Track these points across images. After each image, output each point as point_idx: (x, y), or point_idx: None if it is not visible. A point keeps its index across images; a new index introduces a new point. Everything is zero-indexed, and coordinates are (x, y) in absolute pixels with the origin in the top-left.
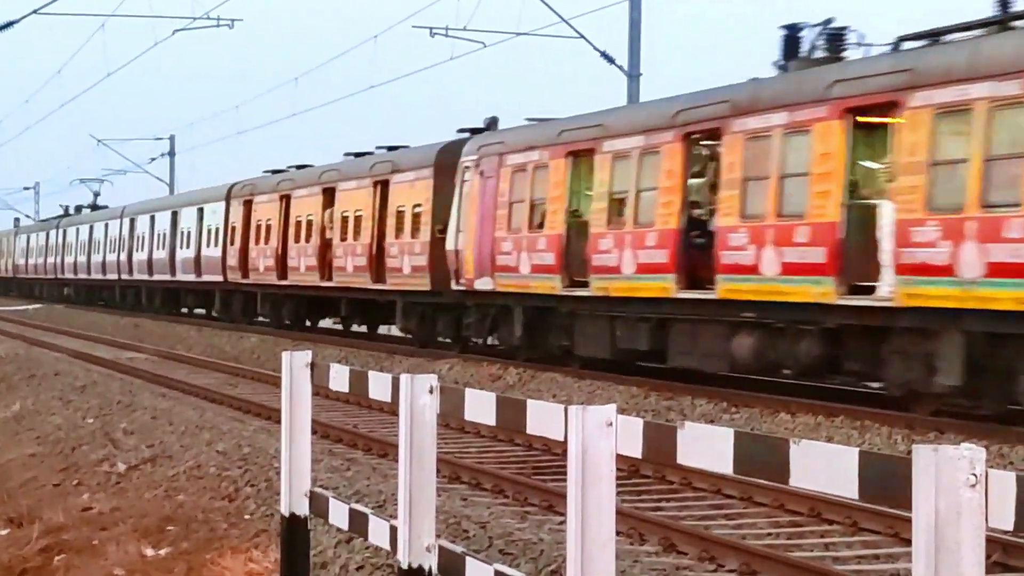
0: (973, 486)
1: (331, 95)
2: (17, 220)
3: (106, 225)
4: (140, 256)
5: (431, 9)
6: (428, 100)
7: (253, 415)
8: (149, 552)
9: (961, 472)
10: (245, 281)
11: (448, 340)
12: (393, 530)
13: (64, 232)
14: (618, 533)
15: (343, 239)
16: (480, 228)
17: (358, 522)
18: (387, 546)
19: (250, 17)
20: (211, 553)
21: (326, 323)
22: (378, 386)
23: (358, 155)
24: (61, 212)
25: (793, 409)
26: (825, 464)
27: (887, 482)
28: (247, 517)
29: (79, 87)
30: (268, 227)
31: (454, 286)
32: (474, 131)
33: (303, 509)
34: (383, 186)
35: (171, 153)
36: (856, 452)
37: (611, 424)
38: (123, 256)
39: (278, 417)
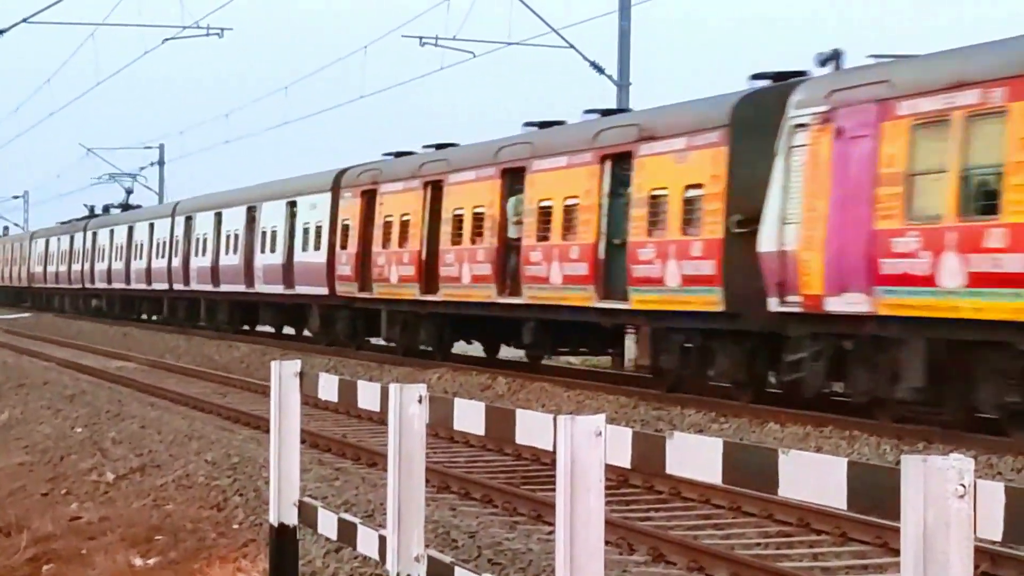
0: (962, 496)
1: (321, 104)
2: (6, 228)
3: (151, 225)
4: (201, 262)
5: (421, 19)
6: (418, 110)
7: (242, 424)
8: (137, 562)
9: (950, 482)
10: (364, 295)
11: (726, 384)
12: (382, 540)
13: (94, 235)
14: (607, 543)
15: (542, 239)
16: (839, 216)
17: (347, 532)
18: (376, 556)
19: (240, 26)
20: (199, 563)
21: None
22: (367, 396)
23: (544, 125)
24: (86, 213)
25: (782, 419)
26: (814, 474)
27: (876, 492)
28: (235, 527)
29: (69, 96)
30: (404, 224)
31: (775, 306)
32: (780, 76)
33: (292, 519)
34: (618, 161)
35: (160, 162)
36: (844, 462)
37: (600, 434)
38: (176, 262)
39: (267, 426)
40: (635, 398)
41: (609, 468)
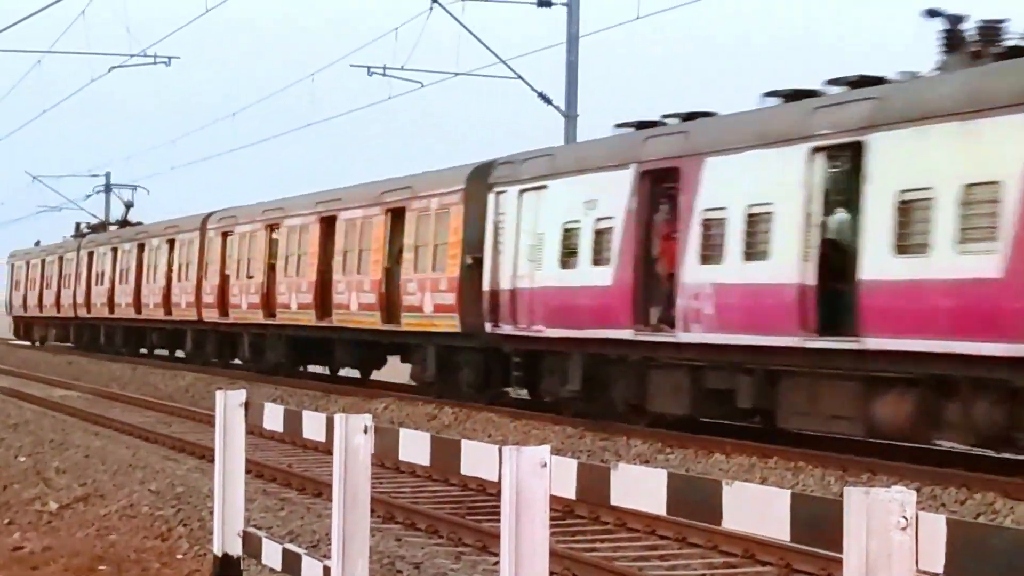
0: (904, 528)
1: (268, 132)
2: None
3: None
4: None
5: (368, 48)
6: (366, 138)
7: (187, 454)
8: None
9: (892, 515)
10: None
11: None
12: (326, 570)
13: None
14: (552, 573)
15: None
16: None
17: (291, 562)
18: None
19: (187, 54)
20: None
21: None
22: (312, 426)
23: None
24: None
25: (728, 450)
26: (757, 506)
27: (819, 524)
28: (179, 557)
29: (14, 123)
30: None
31: None
32: None
33: (236, 549)
34: None
35: (107, 189)
36: (788, 494)
37: (545, 465)
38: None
39: (212, 456)
40: (581, 428)
41: (554, 498)
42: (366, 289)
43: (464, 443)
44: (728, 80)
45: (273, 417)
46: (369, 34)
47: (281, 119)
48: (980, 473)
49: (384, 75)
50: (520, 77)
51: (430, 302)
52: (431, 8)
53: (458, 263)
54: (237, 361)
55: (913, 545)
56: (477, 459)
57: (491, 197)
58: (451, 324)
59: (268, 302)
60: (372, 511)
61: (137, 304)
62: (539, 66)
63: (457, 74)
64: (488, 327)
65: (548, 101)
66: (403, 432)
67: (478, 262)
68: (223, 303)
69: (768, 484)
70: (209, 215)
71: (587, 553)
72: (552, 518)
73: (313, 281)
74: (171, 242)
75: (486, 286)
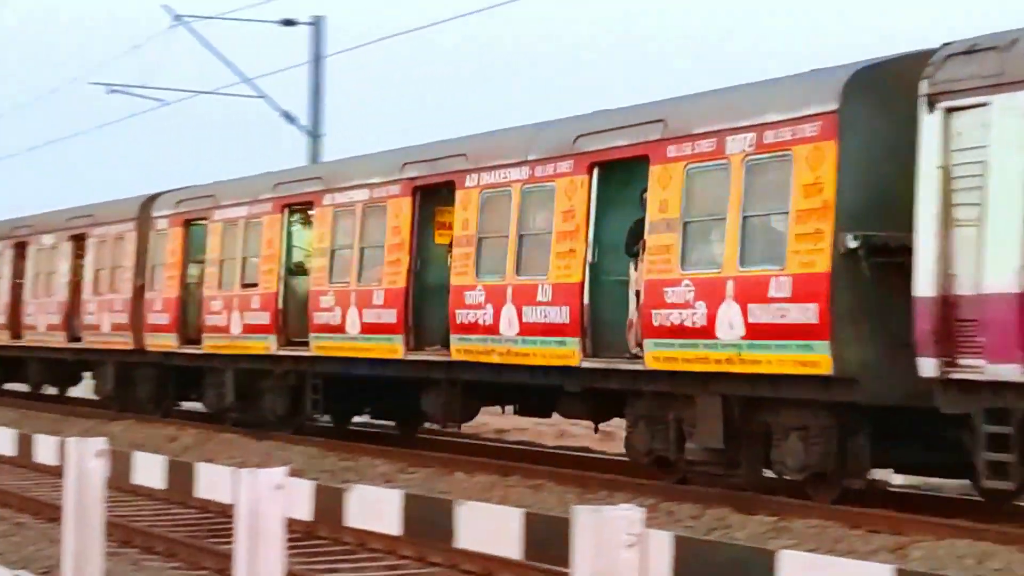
0: (631, 546)
1: (5, 150)
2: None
3: None
4: None
5: (111, 65)
6: (107, 158)
7: None
8: None
9: (619, 532)
10: None
11: None
12: None
13: None
14: None
15: None
16: None
17: None
18: None
19: None
20: None
21: None
22: (45, 450)
23: None
24: None
25: (470, 469)
26: (491, 525)
27: (551, 543)
28: None
29: None
30: None
31: None
32: None
33: None
34: None
35: None
36: (520, 513)
37: (281, 487)
38: None
39: None
40: (322, 448)
41: (296, 520)
42: (543, 299)
43: (198, 466)
44: (493, 97)
45: (3, 442)
46: (112, 51)
47: (15, 139)
48: (716, 488)
49: (126, 93)
50: (264, 96)
51: (738, 320)
52: (172, 25)
53: (820, 250)
54: (187, 406)
55: (640, 562)
56: (212, 481)
57: (928, 120)
58: (805, 361)
59: (280, 324)
60: (109, 535)
61: (14, 326)
62: (287, 85)
63: (199, 92)
64: (930, 366)
65: (292, 120)
66: (137, 455)
67: (874, 246)
68: (182, 325)
69: (509, 503)
70: (152, 198)
71: (327, 575)
72: (291, 540)
73: (399, 290)
74: (78, 239)
75: (923, 290)
